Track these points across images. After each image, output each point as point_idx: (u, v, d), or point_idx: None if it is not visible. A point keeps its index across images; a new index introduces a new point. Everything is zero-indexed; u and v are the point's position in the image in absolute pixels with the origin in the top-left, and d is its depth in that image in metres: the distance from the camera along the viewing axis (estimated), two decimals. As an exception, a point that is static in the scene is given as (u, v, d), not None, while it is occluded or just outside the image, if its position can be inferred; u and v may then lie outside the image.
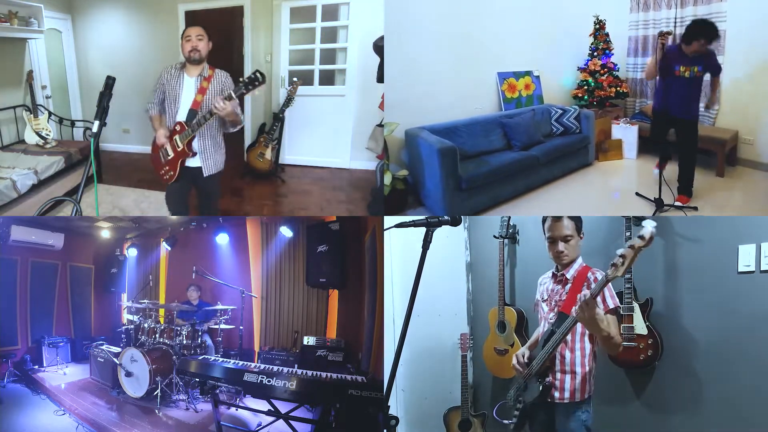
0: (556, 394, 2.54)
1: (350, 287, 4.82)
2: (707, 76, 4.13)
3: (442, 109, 4.81)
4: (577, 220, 2.59)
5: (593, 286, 2.36)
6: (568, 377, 2.53)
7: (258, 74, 3.25)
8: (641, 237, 2.08)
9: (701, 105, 4.31)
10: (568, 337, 2.50)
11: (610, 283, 2.33)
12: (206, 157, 3.70)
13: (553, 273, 2.72)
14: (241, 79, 3.32)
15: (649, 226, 2.07)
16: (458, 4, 4.90)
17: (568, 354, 2.55)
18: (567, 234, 2.56)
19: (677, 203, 4.13)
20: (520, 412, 2.60)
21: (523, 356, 2.66)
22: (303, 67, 5.95)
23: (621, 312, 2.85)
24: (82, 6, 6.34)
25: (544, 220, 2.64)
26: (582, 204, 4.63)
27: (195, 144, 3.63)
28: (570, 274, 2.61)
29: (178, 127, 3.63)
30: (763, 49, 4.59)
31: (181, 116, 3.65)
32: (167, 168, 3.72)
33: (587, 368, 2.54)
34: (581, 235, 2.63)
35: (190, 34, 3.63)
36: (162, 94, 3.75)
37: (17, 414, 4.18)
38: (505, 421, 2.67)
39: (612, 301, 2.48)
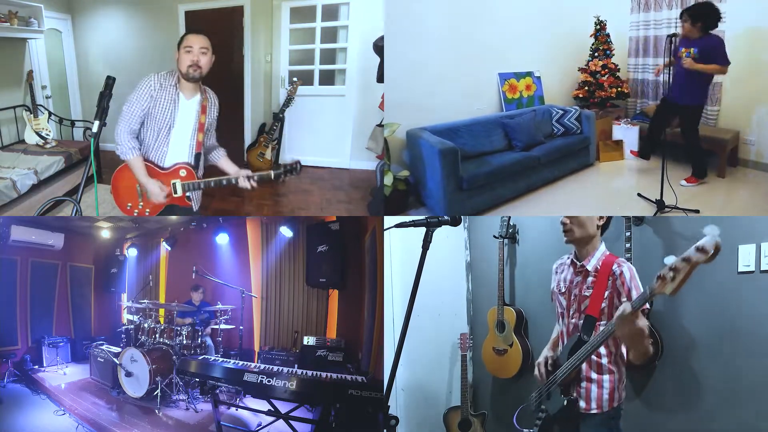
0: (582, 404, 2.30)
1: (350, 287, 4.82)
2: None
3: (443, 110, 4.80)
4: None
5: (618, 283, 2.20)
6: (594, 386, 2.30)
7: (298, 165, 3.06)
8: (701, 249, 1.67)
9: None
10: None
11: (636, 279, 2.21)
12: (196, 199, 3.25)
13: (572, 261, 2.44)
14: (282, 167, 3.07)
15: (712, 234, 1.66)
16: (459, 4, 4.90)
17: (594, 360, 2.30)
18: None
19: (683, 182, 4.47)
20: (542, 422, 2.35)
21: (546, 362, 2.45)
22: (303, 67, 5.95)
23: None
24: (82, 6, 6.34)
25: None
26: (583, 204, 4.63)
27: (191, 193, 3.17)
28: (591, 265, 2.33)
29: (183, 173, 3.06)
30: (762, 50, 4.59)
31: (180, 154, 3.09)
32: (143, 205, 3.12)
33: (616, 375, 2.30)
34: (600, 217, 2.37)
35: (192, 45, 2.96)
36: (145, 114, 2.99)
37: (17, 414, 4.18)
38: (525, 430, 2.48)
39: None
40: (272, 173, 3.04)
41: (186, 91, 3.05)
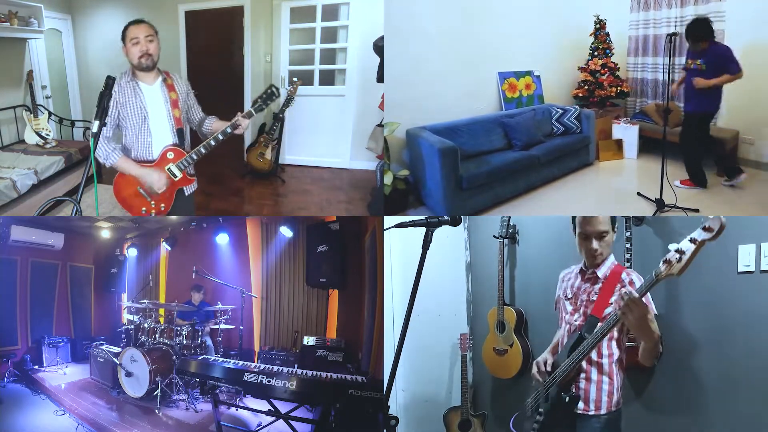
0: (581, 405, 2.32)
1: (350, 287, 4.82)
2: None
3: (442, 109, 4.81)
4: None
5: (627, 287, 2.19)
6: (593, 386, 2.32)
7: (274, 89, 3.10)
8: (707, 228, 1.75)
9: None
10: None
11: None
12: (192, 174, 3.26)
13: (581, 269, 2.49)
14: (259, 97, 3.11)
15: (716, 216, 1.73)
16: (458, 3, 4.90)
17: (595, 360, 2.32)
18: (603, 230, 2.33)
19: (676, 183, 4.41)
20: (540, 425, 2.34)
21: (545, 363, 2.44)
22: (303, 67, 5.96)
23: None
24: (82, 6, 6.34)
25: (574, 217, 2.44)
26: (582, 204, 4.63)
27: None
28: (602, 272, 2.38)
29: (171, 155, 3.08)
30: (762, 49, 4.59)
31: (164, 138, 3.10)
32: (156, 203, 3.15)
33: (616, 377, 2.33)
34: (615, 230, 2.42)
35: (137, 35, 2.98)
36: (116, 119, 3.04)
37: (17, 414, 4.18)
38: None
39: (651, 306, 2.19)
40: (252, 110, 3.08)
41: (145, 80, 3.08)
